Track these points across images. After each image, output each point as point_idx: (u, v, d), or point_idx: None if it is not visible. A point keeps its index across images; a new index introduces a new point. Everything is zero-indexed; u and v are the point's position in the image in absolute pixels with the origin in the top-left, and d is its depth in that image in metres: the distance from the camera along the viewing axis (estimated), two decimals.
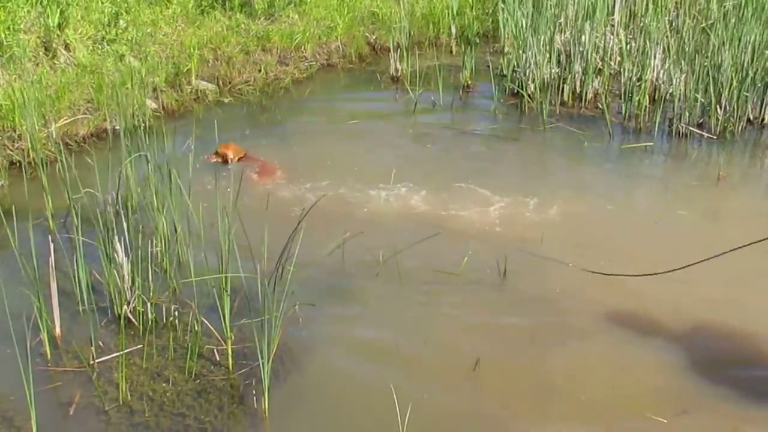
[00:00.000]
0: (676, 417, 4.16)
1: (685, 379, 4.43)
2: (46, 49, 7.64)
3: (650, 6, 8.91)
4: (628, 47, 8.23)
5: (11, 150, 6.64)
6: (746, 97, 7.47)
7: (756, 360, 4.58)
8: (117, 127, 6.96)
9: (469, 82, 8.71)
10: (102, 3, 8.35)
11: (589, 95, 8.23)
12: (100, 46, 7.97)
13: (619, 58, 8.36)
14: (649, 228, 5.92)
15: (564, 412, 4.22)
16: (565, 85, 8.26)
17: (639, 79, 7.88)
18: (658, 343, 4.70)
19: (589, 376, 4.46)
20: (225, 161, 6.78)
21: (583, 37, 8.29)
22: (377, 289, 5.18)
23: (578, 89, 8.28)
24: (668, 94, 7.85)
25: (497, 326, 4.88)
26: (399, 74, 8.96)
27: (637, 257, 5.40)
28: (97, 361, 4.41)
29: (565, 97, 8.22)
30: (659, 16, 8.51)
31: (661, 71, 7.98)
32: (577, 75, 8.28)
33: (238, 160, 6.80)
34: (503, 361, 4.54)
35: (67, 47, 7.79)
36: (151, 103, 7.67)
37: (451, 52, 9.67)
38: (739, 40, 7.50)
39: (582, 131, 7.61)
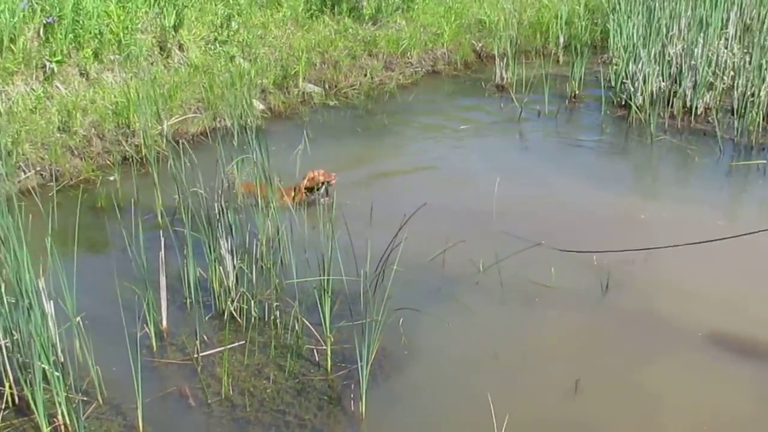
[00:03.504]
0: None
1: None
2: (161, 48, 7.89)
3: (766, 20, 8.62)
4: (742, 61, 7.98)
5: (125, 146, 6.87)
6: None
7: None
8: (226, 126, 7.12)
9: (577, 92, 8.60)
10: (215, 5, 8.56)
11: (700, 109, 8.02)
12: (212, 47, 8.18)
13: (732, 73, 8.11)
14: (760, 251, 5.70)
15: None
16: (674, 99, 8.06)
17: (753, 95, 7.64)
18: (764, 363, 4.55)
19: (694, 395, 4.34)
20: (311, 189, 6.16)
21: (695, 49, 8.07)
22: (477, 298, 5.16)
23: (688, 103, 8.07)
24: None
25: (597, 340, 4.80)
26: (504, 82, 8.91)
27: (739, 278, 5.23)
28: (201, 354, 4.52)
29: (675, 111, 8.02)
30: None
31: None
32: (687, 88, 8.07)
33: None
34: (604, 377, 4.45)
35: (180, 47, 8.02)
36: (258, 104, 7.82)
37: (558, 61, 9.57)
38: None
39: (691, 146, 7.42)
